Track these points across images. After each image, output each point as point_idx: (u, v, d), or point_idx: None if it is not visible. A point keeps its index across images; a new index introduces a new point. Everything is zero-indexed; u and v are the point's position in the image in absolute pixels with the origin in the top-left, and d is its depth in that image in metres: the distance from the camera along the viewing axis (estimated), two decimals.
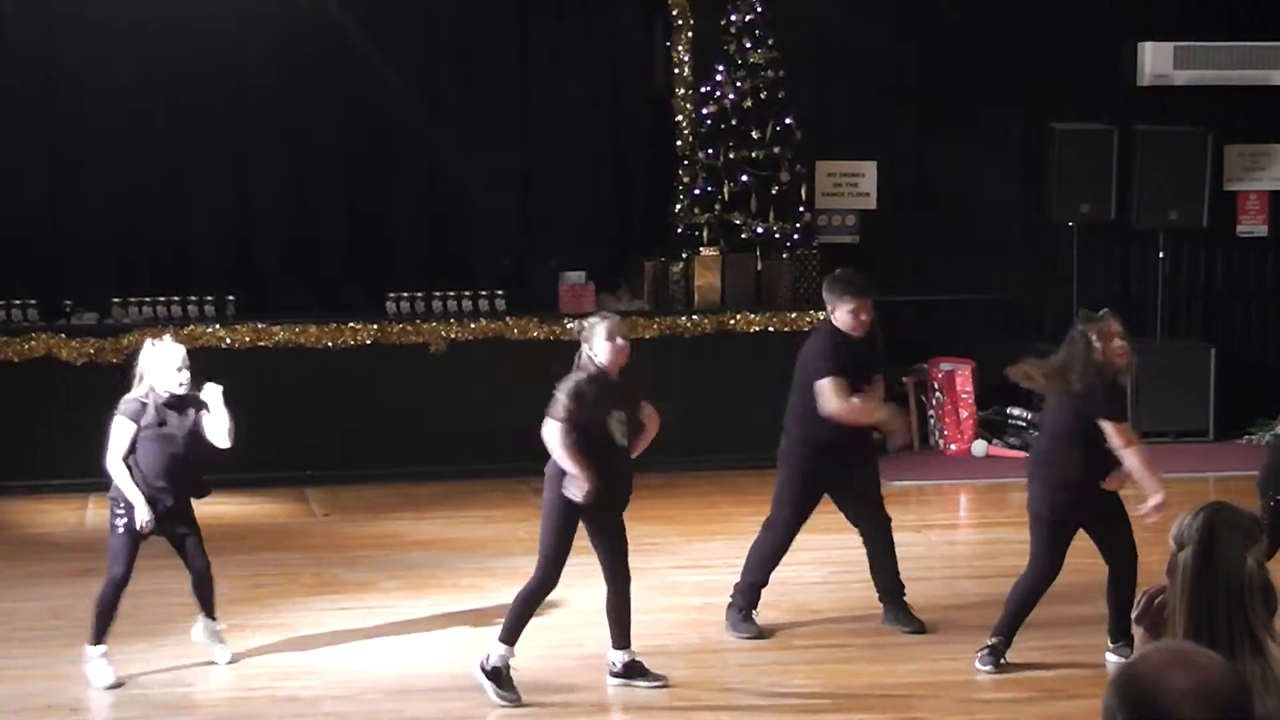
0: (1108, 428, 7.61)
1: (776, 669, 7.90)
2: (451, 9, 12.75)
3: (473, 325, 12.02)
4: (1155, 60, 13.30)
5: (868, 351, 8.32)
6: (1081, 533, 7.85)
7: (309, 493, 11.50)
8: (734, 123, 12.52)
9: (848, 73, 13.17)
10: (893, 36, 13.29)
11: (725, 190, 12.52)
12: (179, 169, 12.37)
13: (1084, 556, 7.98)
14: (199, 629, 7.97)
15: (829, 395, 8.14)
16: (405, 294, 12.19)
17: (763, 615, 8.52)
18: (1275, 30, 13.47)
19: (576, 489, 7.23)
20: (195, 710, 7.46)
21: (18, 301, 11.82)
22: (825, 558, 8.89)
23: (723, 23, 12.56)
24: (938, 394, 12.97)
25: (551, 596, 8.39)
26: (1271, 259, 14.06)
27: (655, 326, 12.23)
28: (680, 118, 12.75)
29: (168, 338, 7.92)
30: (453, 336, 11.99)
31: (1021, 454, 11.72)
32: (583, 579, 8.00)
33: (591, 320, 7.51)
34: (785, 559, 8.60)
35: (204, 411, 7.71)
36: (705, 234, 12.56)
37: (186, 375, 7.67)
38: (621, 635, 7.62)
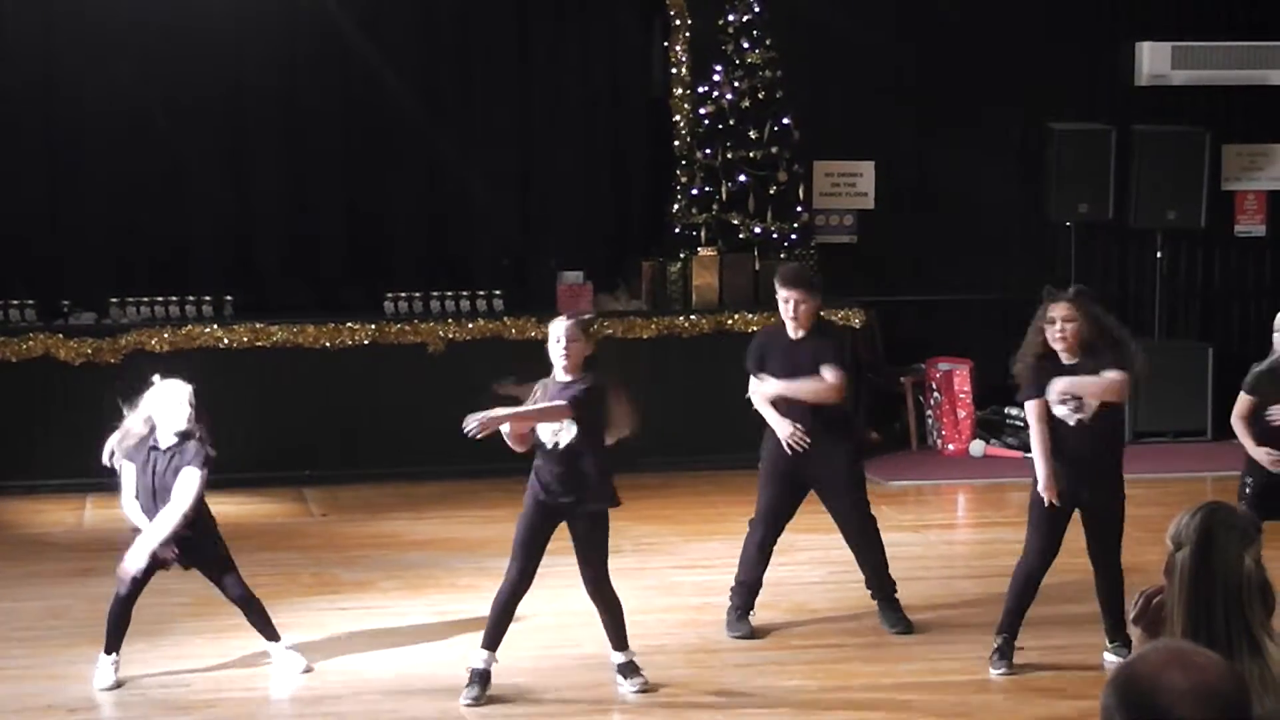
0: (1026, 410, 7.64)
1: (774, 669, 7.90)
2: (450, 9, 12.77)
3: (471, 325, 12.03)
4: (1153, 60, 13.32)
5: (801, 347, 8.22)
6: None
7: (307, 492, 11.51)
8: (732, 123, 12.54)
9: (845, 73, 13.19)
10: (891, 36, 13.31)
11: (723, 190, 12.55)
12: (178, 169, 12.39)
13: (1083, 556, 7.98)
14: (271, 651, 7.92)
15: (752, 386, 8.31)
16: (403, 294, 12.20)
17: (760, 615, 8.52)
18: (1273, 30, 13.49)
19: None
20: (193, 710, 7.45)
21: (15, 301, 11.82)
22: (823, 557, 8.89)
23: (720, 23, 12.58)
24: (935, 394, 12.98)
25: (551, 597, 8.40)
26: (1269, 259, 14.08)
27: (653, 326, 12.26)
28: (678, 118, 12.77)
29: (177, 382, 7.81)
30: (451, 336, 12.01)
31: (1019, 454, 11.75)
32: (580, 580, 7.98)
33: (554, 322, 7.52)
34: (783, 559, 8.59)
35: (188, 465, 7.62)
36: (703, 234, 12.58)
37: (189, 410, 7.64)
38: (615, 638, 7.60)
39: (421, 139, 12.65)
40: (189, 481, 7.56)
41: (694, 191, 12.60)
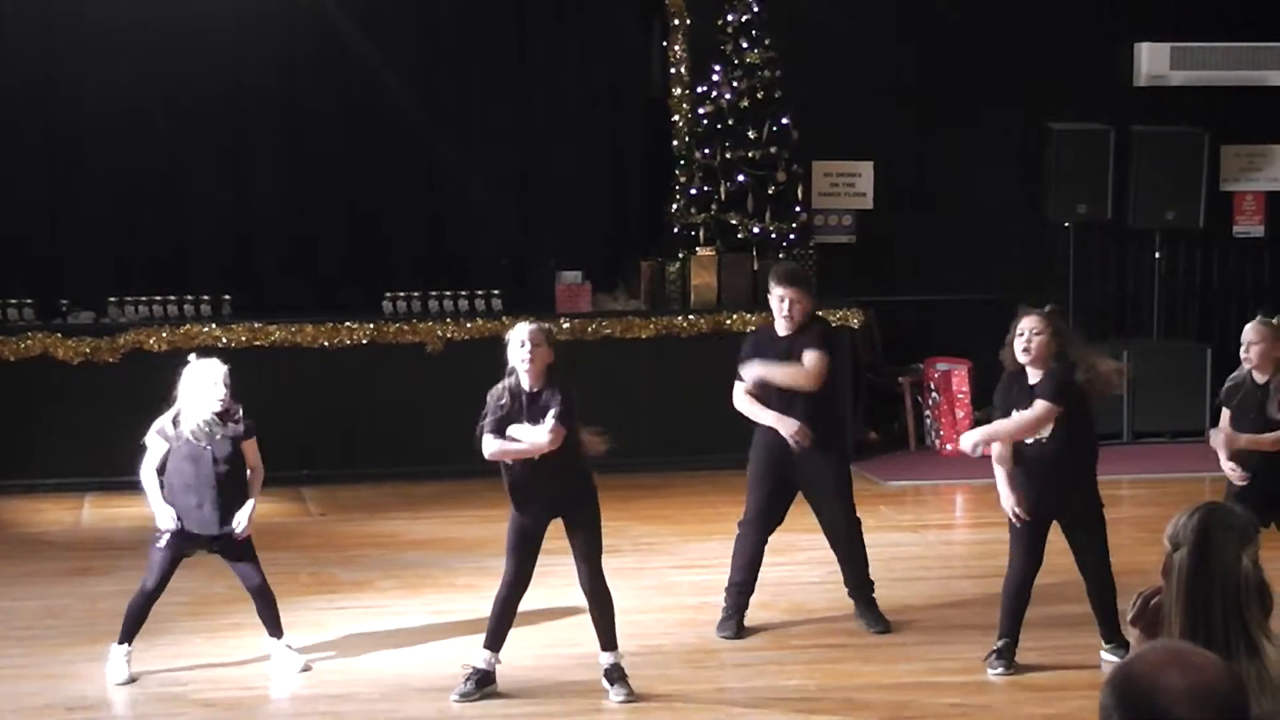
0: None
1: (773, 669, 7.92)
2: (449, 10, 12.80)
3: (469, 325, 12.03)
4: (1152, 61, 13.35)
5: (793, 345, 8.26)
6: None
7: (305, 492, 11.52)
8: (731, 123, 12.56)
9: (844, 72, 13.22)
10: (890, 36, 13.34)
11: (722, 190, 12.56)
12: (177, 169, 12.41)
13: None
14: (267, 644, 7.94)
15: (735, 391, 8.33)
16: (402, 294, 12.21)
17: (759, 615, 8.55)
18: (1271, 31, 13.51)
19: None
20: (191, 709, 7.47)
21: (14, 300, 11.85)
22: (821, 557, 8.89)
23: (719, 23, 12.60)
24: (934, 394, 12.99)
25: (550, 595, 8.45)
26: (1268, 259, 14.11)
27: (652, 326, 12.27)
28: (677, 118, 12.80)
29: (214, 361, 7.84)
30: (450, 336, 12.02)
31: None
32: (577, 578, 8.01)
33: (516, 327, 7.50)
34: (782, 559, 8.65)
35: (246, 439, 7.72)
36: (702, 234, 12.60)
37: (224, 391, 7.65)
38: (605, 639, 7.61)
39: (420, 139, 12.67)
40: (256, 451, 7.70)
41: (693, 191, 12.62)
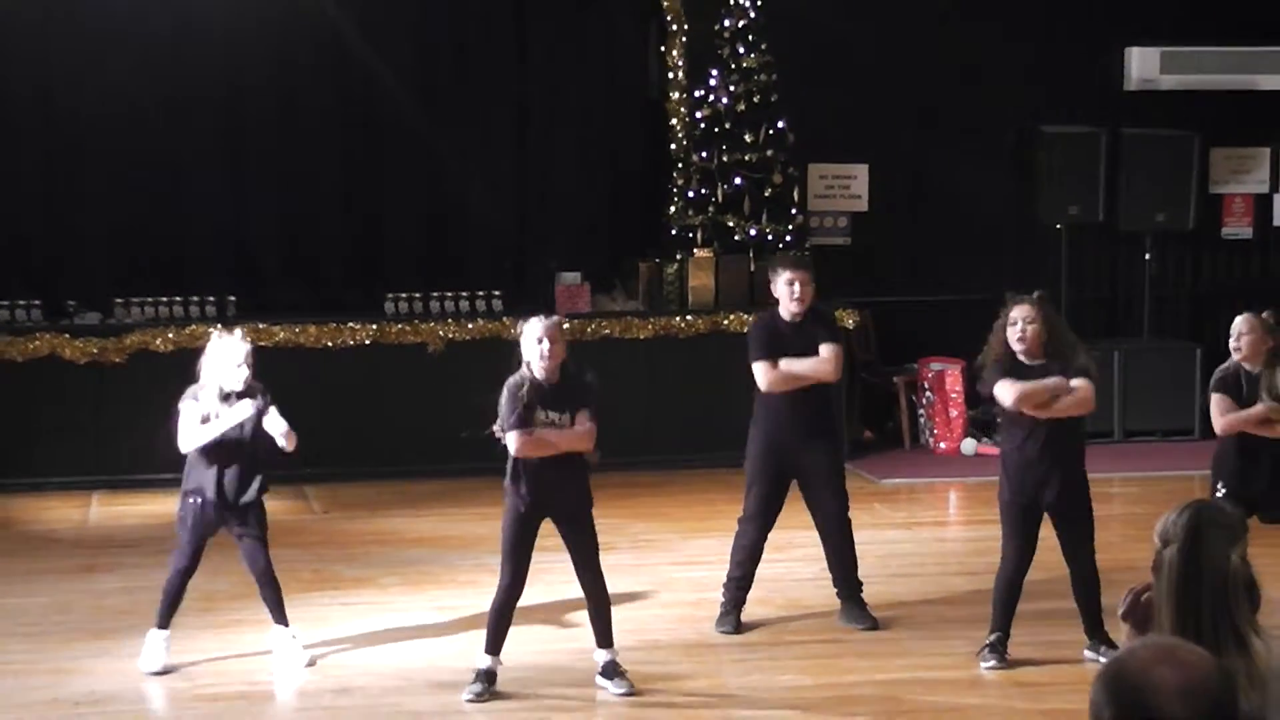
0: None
1: (769, 664, 7.93)
2: (450, 14, 12.82)
3: (470, 325, 12.06)
4: (1142, 65, 13.39)
5: (800, 331, 8.38)
6: None
7: (308, 490, 11.52)
8: (727, 126, 12.59)
9: (839, 77, 13.24)
10: (884, 41, 13.36)
11: (719, 192, 12.60)
12: (180, 171, 12.43)
13: None
14: (271, 637, 7.97)
15: (760, 376, 8.37)
16: (403, 294, 12.23)
17: (755, 610, 8.58)
18: (1261, 35, 13.52)
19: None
20: (195, 703, 7.48)
21: (22, 302, 11.87)
22: (817, 554, 8.86)
23: (716, 27, 12.63)
24: (928, 393, 13.05)
25: (550, 593, 8.49)
26: (1256, 260, 14.14)
27: (650, 326, 12.31)
28: (675, 121, 12.83)
29: (238, 332, 7.94)
30: (450, 336, 12.05)
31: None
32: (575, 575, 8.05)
33: (530, 322, 7.45)
34: (778, 555, 8.65)
35: (265, 413, 7.78)
36: (699, 235, 12.63)
37: (246, 372, 7.72)
38: (602, 636, 7.63)
39: (421, 142, 12.69)
40: (278, 419, 7.76)
41: (690, 194, 12.65)
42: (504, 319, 11.92)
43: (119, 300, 11.95)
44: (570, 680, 7.70)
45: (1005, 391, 7.70)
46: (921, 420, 13.18)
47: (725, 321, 12.31)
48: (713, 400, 12.02)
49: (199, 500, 7.75)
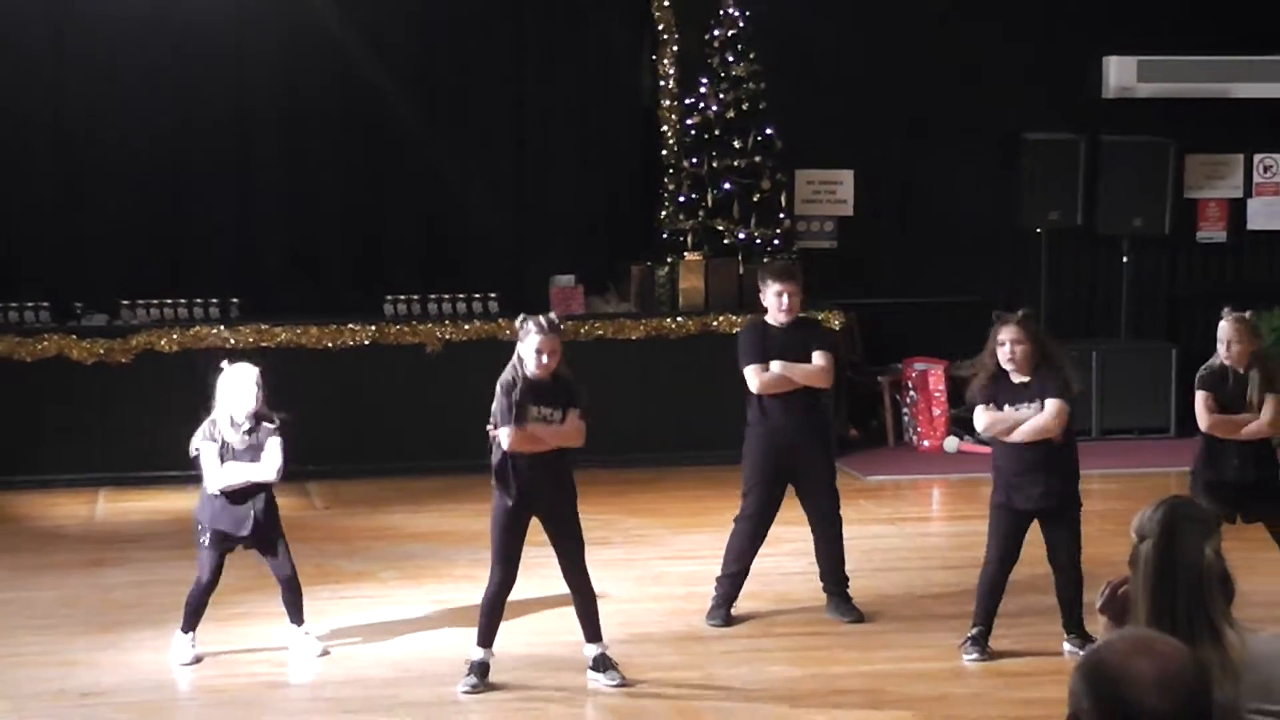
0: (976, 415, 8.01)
1: (757, 657, 7.97)
2: (449, 23, 12.91)
3: (467, 326, 12.12)
4: (1120, 74, 13.49)
5: (789, 335, 8.53)
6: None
7: (310, 487, 11.54)
8: (717, 133, 12.69)
9: (826, 85, 13.34)
10: (870, 50, 13.47)
11: (709, 197, 12.67)
12: (185, 175, 12.51)
13: None
14: (285, 633, 8.07)
15: (751, 379, 8.50)
16: (403, 296, 12.29)
17: (744, 604, 8.62)
18: (1235, 45, 13.63)
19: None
20: (198, 695, 7.55)
21: (30, 303, 11.93)
22: (805, 548, 8.81)
23: (707, 37, 12.74)
24: (912, 393, 13.17)
25: (543, 587, 8.51)
26: (1230, 263, 14.25)
27: (641, 328, 12.41)
28: (666, 128, 12.95)
29: (247, 365, 7.96)
30: (448, 337, 12.13)
31: (989, 450, 12.00)
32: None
33: (526, 324, 7.48)
34: (767, 549, 8.69)
35: (272, 437, 7.83)
36: (690, 239, 12.70)
37: (258, 394, 7.77)
38: (590, 631, 7.67)
39: (419, 147, 12.77)
40: (276, 449, 7.78)
41: (681, 198, 12.74)
42: (500, 320, 11.95)
43: (125, 302, 12.03)
44: (563, 671, 7.74)
45: (978, 419, 8.03)
46: (905, 419, 13.30)
47: (715, 323, 12.40)
48: (703, 399, 12.08)
49: (219, 533, 7.85)
